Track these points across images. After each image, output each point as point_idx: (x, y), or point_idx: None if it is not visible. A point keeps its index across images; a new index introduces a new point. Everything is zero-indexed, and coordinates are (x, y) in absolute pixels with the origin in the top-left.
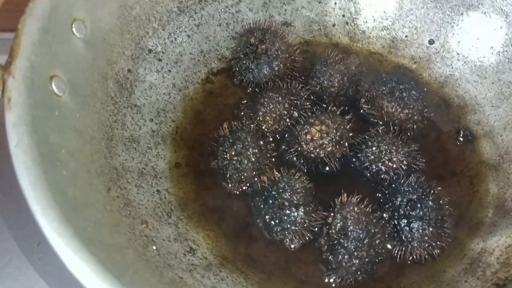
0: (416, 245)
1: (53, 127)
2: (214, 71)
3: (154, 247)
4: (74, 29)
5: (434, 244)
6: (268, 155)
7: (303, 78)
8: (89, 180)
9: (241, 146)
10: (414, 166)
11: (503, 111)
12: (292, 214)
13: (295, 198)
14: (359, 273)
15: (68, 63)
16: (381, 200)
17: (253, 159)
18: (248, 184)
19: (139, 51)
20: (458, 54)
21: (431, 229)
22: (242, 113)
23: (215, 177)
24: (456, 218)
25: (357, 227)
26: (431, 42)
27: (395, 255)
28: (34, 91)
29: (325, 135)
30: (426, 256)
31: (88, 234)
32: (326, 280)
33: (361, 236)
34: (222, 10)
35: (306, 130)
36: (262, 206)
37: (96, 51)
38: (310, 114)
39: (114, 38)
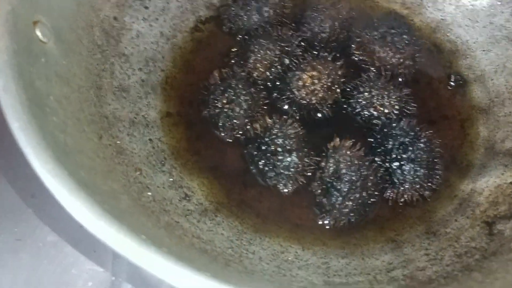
0: (407, 186)
1: (40, 74)
2: (202, 19)
3: (149, 193)
4: None
5: (425, 185)
6: (260, 102)
7: (293, 24)
8: (80, 127)
9: (232, 93)
10: (406, 111)
11: (494, 55)
12: (285, 159)
13: (287, 144)
14: (352, 214)
15: (50, 8)
16: (373, 144)
17: (245, 107)
18: (240, 132)
19: None
20: None
21: (422, 170)
22: (233, 61)
23: (207, 126)
24: (447, 161)
25: (350, 170)
26: None
27: (387, 197)
28: (18, 36)
29: (316, 81)
30: (418, 198)
31: (82, 178)
32: (320, 222)
33: (353, 178)
34: None
35: (298, 77)
36: (255, 152)
37: None
38: (301, 60)
39: None
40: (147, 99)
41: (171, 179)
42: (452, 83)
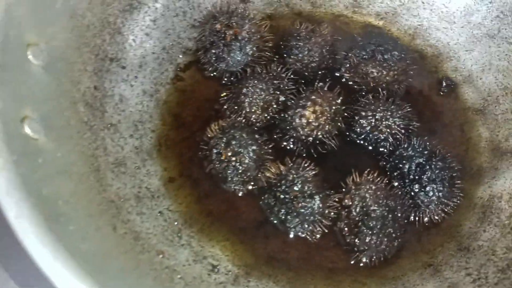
0: (433, 207)
1: (43, 178)
2: (181, 66)
3: (179, 276)
4: (30, 56)
5: (450, 202)
6: (266, 147)
7: (277, 57)
8: (95, 224)
9: (236, 144)
10: (411, 127)
11: (478, 54)
12: (309, 205)
13: (307, 188)
14: (387, 249)
15: (34, 97)
16: (387, 168)
17: (252, 155)
18: (252, 183)
19: (101, 63)
20: (423, 3)
21: (445, 189)
22: (225, 107)
23: (214, 182)
24: (459, 170)
25: (378, 205)
26: None
27: (413, 221)
28: (13, 142)
29: (320, 115)
30: (443, 215)
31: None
32: (353, 262)
33: (384, 213)
34: None
35: (300, 114)
36: (273, 203)
37: (58, 74)
38: (297, 95)
39: (72, 54)
40: (146, 167)
41: (193, 251)
42: (443, 89)
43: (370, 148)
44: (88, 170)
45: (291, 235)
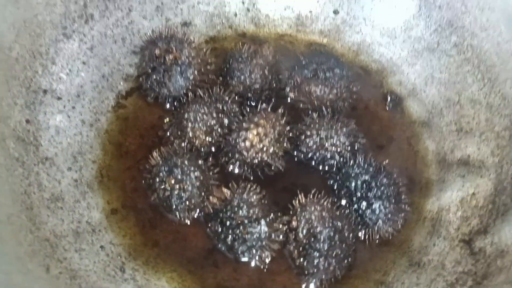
0: (381, 224)
1: None
2: (123, 93)
3: None
4: None
5: (397, 218)
6: (210, 172)
7: (221, 79)
8: (24, 269)
9: (179, 171)
10: (357, 144)
11: (420, 67)
12: (255, 230)
13: (253, 213)
14: (337, 270)
15: None
16: (335, 187)
17: (196, 182)
18: (198, 210)
19: (33, 96)
20: (364, 19)
21: (392, 205)
22: (169, 134)
23: (159, 212)
24: (407, 184)
25: (324, 227)
26: (336, 12)
27: (362, 239)
28: None
29: (264, 137)
30: (392, 231)
31: None
32: (304, 286)
33: (331, 234)
34: (113, 24)
35: (244, 137)
36: (220, 229)
37: None
38: (241, 117)
39: (0, 89)
40: (86, 200)
41: (137, 286)
42: (389, 103)
43: (318, 167)
44: (19, 209)
45: (241, 261)
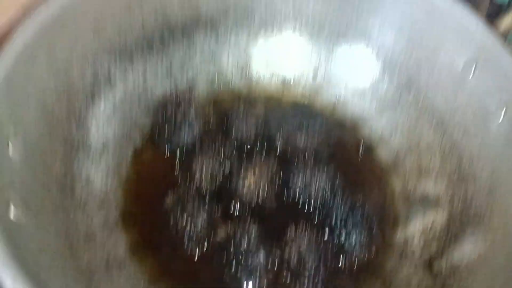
0: (358, 250)
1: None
2: (139, 147)
3: None
4: (10, 149)
5: (371, 246)
6: (216, 212)
7: (221, 133)
8: None
9: (190, 210)
10: (336, 186)
11: (386, 120)
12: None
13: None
14: None
15: (14, 189)
16: (319, 222)
17: (204, 220)
18: (205, 245)
19: (69, 149)
20: (338, 83)
21: (367, 235)
22: (180, 179)
23: (173, 247)
24: (379, 218)
25: (308, 257)
26: (314, 78)
27: (343, 268)
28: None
29: (259, 181)
30: (368, 257)
31: None
32: None
33: (315, 264)
34: (132, 86)
35: (242, 182)
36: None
37: (34, 163)
38: (239, 166)
39: (44, 143)
40: (112, 238)
41: None
42: (361, 151)
43: (303, 205)
44: (63, 246)
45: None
